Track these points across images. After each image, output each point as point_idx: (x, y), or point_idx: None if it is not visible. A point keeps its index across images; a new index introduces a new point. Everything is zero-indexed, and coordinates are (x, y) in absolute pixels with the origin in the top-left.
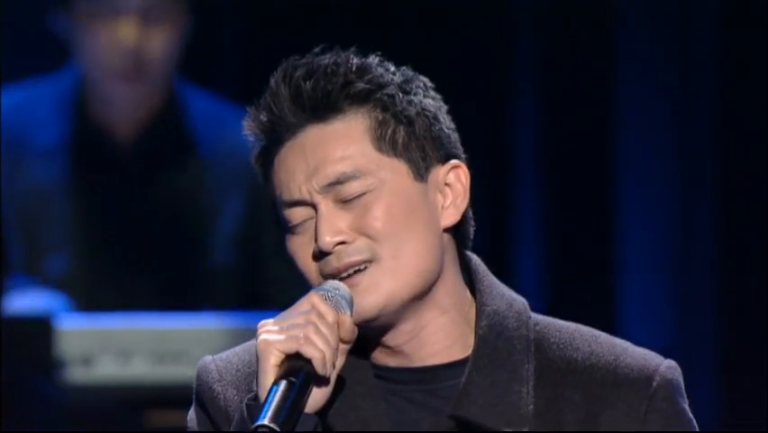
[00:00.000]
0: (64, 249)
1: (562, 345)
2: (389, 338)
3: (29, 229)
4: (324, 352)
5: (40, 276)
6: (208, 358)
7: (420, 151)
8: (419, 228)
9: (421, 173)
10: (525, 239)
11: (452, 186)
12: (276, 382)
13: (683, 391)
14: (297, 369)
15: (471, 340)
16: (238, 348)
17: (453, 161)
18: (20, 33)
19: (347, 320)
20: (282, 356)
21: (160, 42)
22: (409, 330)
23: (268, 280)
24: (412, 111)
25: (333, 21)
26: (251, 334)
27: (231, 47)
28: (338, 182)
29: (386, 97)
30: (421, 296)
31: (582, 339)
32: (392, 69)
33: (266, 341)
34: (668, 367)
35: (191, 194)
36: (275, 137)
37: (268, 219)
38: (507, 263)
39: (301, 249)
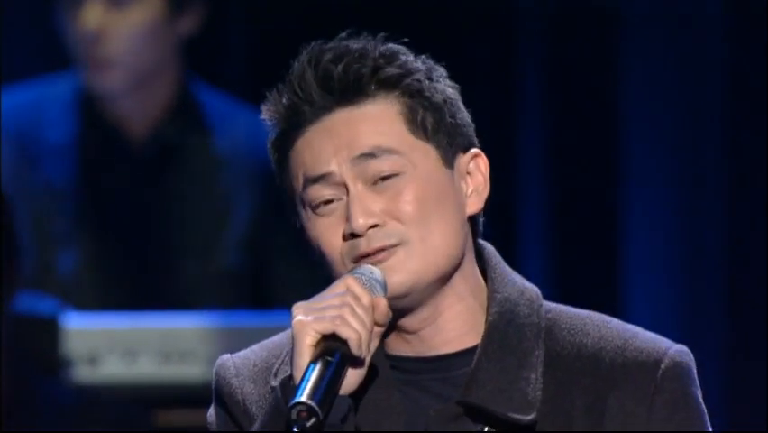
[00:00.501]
0: (73, 247)
1: (572, 332)
2: (407, 323)
3: (40, 227)
4: (360, 333)
5: (49, 274)
6: (226, 356)
7: (447, 137)
8: (448, 214)
9: (448, 160)
10: (530, 238)
11: (473, 174)
12: (313, 362)
13: (694, 377)
14: (333, 350)
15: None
16: (255, 346)
17: (474, 150)
18: (26, 33)
19: (382, 303)
20: (318, 337)
21: (127, 27)
22: (427, 316)
23: (275, 281)
24: (439, 98)
25: (338, 20)
26: (258, 333)
27: (238, 46)
28: (372, 155)
29: (415, 83)
30: (444, 280)
31: (593, 325)
32: (412, 57)
33: (301, 322)
34: (678, 351)
35: (202, 194)
36: (298, 120)
37: (277, 220)
38: (513, 263)
39: (327, 230)
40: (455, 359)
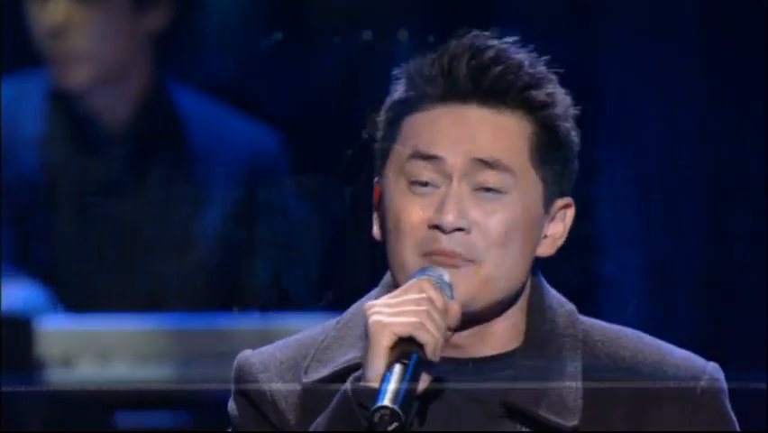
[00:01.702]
0: (48, 246)
1: (607, 344)
2: (454, 336)
3: (18, 223)
4: (437, 338)
5: (24, 273)
6: (248, 352)
7: (556, 177)
8: (525, 252)
9: (548, 200)
10: None
11: (557, 221)
12: (391, 365)
13: (727, 393)
14: (410, 354)
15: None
16: (278, 343)
17: (568, 199)
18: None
19: (455, 308)
20: (395, 339)
21: (91, 22)
22: (473, 329)
23: (251, 282)
24: (565, 138)
25: (327, 18)
26: (234, 336)
27: (215, 43)
28: (488, 164)
29: (553, 116)
30: (498, 306)
31: (628, 338)
32: (560, 88)
33: (380, 323)
34: (714, 368)
35: (178, 192)
36: (432, 93)
37: (253, 220)
38: None
39: (412, 209)
40: (493, 363)
